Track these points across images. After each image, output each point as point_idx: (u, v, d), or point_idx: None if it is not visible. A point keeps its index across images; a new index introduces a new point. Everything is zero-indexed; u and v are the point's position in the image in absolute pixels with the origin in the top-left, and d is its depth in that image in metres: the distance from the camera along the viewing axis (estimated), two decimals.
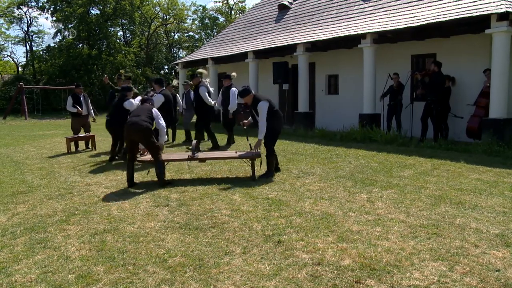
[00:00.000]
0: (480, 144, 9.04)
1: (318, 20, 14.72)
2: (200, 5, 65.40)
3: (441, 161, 7.85)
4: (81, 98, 11.06)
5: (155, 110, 6.97)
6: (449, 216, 4.71)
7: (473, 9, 9.49)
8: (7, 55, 47.91)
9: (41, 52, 40.13)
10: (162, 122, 6.96)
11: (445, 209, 4.96)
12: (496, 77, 9.18)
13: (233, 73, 11.18)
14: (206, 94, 10.04)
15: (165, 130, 7.20)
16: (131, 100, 8.55)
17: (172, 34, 48.37)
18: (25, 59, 43.15)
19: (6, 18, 41.61)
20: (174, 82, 13.65)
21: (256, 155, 6.93)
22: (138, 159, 7.25)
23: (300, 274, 3.42)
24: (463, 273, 3.36)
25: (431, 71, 10.23)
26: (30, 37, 42.82)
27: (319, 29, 13.96)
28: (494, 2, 9.24)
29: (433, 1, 11.20)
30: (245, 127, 7.38)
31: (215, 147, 10.00)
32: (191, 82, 11.51)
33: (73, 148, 10.66)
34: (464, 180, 6.36)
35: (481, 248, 3.83)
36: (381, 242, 4.00)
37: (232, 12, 48.22)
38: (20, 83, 27.83)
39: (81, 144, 11.14)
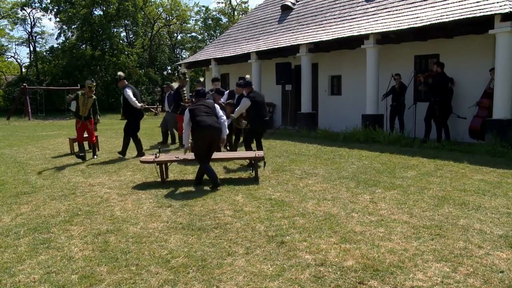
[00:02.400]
0: (484, 145, 9.01)
1: (321, 21, 14.71)
2: (203, 6, 65.45)
3: (444, 161, 7.83)
4: None
5: (217, 106, 6.93)
6: (453, 217, 4.69)
7: (476, 10, 9.46)
8: (11, 56, 48.32)
9: (44, 53, 40.32)
10: (224, 116, 6.95)
11: (448, 210, 4.95)
12: (499, 77, 9.15)
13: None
14: (131, 95, 9.34)
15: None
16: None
17: (175, 34, 48.45)
18: (28, 60, 43.38)
19: (10, 19, 41.82)
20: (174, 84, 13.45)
21: (259, 156, 6.93)
22: (140, 159, 7.27)
23: (303, 274, 3.42)
24: (466, 274, 3.35)
25: (435, 72, 10.21)
26: (34, 38, 43.00)
27: (322, 30, 13.95)
28: (497, 2, 9.21)
29: (436, 2, 11.16)
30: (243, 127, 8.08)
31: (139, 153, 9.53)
32: (172, 84, 11.82)
33: (76, 149, 10.67)
34: (468, 181, 6.34)
35: (484, 249, 3.81)
36: (384, 243, 3.99)
37: (235, 13, 48.25)
38: (24, 84, 27.93)
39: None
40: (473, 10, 9.53)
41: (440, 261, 3.58)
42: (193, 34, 49.61)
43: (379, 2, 13.07)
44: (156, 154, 7.10)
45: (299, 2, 17.15)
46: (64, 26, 38.26)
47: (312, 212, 5.00)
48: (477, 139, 9.84)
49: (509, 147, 8.56)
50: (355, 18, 13.27)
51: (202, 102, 6.71)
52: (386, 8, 12.56)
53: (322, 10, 15.25)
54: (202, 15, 49.02)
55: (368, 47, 11.75)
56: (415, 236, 4.17)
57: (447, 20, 9.73)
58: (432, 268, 3.46)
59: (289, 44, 14.06)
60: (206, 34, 49.15)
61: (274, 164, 7.99)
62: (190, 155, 7.30)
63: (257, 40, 17.01)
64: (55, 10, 38.30)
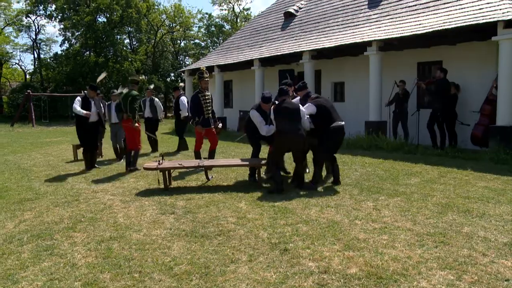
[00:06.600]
0: (487, 152, 8.98)
1: (323, 28, 14.76)
2: (206, 13, 65.66)
3: (448, 168, 7.81)
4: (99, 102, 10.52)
5: (302, 110, 6.53)
6: (457, 224, 4.67)
7: (479, 17, 9.48)
8: (16, 63, 48.58)
9: (48, 60, 40.60)
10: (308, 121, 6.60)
11: (452, 217, 4.93)
12: (502, 84, 9.14)
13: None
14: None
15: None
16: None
17: (178, 41, 48.69)
18: (33, 67, 43.67)
19: (15, 27, 42.23)
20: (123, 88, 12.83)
21: (262, 163, 6.92)
22: (144, 166, 7.27)
23: (306, 282, 3.40)
24: (471, 282, 3.32)
25: (437, 77, 10.21)
26: (38, 45, 43.33)
27: (325, 37, 13.99)
28: (500, 9, 9.23)
29: (439, 9, 11.20)
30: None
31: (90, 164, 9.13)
32: (118, 93, 10.42)
33: (80, 156, 10.73)
34: (472, 188, 6.31)
35: (489, 257, 3.79)
36: (388, 251, 3.98)
37: (238, 20, 48.50)
38: (28, 91, 28.09)
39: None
40: (476, 17, 9.55)
41: (444, 269, 3.56)
42: (196, 41, 49.89)
43: (382, 9, 13.12)
44: (159, 161, 7.11)
45: (302, 9, 17.23)
46: (68, 33, 38.55)
47: (315, 219, 4.98)
48: (480, 146, 9.81)
49: None
50: (358, 25, 13.31)
51: (289, 106, 6.44)
52: (389, 15, 12.60)
53: (325, 17, 15.32)
54: (205, 22, 49.34)
55: (371, 54, 11.78)
56: (419, 243, 4.15)
57: (450, 27, 9.75)
58: (436, 276, 3.44)
59: (292, 51, 14.11)
60: (209, 41, 49.39)
61: None
62: (191, 162, 7.31)
63: (260, 47, 17.07)
64: (59, 17, 38.61)
